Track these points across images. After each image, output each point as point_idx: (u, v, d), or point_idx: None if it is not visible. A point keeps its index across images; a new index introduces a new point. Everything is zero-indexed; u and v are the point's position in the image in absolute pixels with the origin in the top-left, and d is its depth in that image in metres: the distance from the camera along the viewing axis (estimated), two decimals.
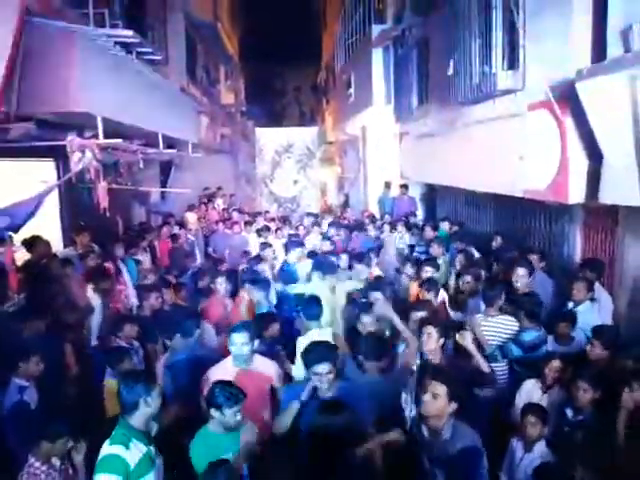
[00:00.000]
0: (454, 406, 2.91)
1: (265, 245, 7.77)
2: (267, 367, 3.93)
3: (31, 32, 5.14)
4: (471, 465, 2.86)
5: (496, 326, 4.57)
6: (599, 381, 3.49)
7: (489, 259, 6.64)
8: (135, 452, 2.83)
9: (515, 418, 3.73)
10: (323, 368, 3.33)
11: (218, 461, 2.87)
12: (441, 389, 2.89)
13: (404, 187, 11.80)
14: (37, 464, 3.12)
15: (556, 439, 3.37)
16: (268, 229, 9.48)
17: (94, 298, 5.75)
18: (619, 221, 5.39)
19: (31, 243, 5.77)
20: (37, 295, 5.14)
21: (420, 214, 11.99)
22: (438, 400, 2.88)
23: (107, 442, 2.87)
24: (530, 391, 3.95)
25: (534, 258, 5.65)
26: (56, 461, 3.22)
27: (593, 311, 4.81)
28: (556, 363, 3.84)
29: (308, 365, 3.42)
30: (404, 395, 3.84)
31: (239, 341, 3.73)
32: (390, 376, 3.98)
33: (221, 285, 5.96)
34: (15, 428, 3.67)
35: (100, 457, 2.82)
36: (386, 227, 9.41)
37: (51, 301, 5.10)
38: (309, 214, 12.86)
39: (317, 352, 3.46)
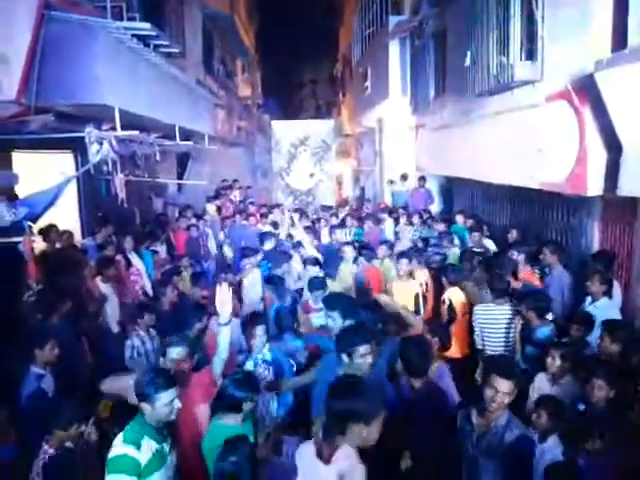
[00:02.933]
0: (513, 396, 2.92)
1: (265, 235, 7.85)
2: (202, 383, 3.55)
3: (50, 25, 5.21)
4: (527, 453, 2.87)
5: (505, 313, 4.75)
6: (615, 378, 3.43)
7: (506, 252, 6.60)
8: (146, 450, 2.81)
9: (529, 411, 3.71)
10: (365, 349, 3.24)
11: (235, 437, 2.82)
12: (504, 385, 2.88)
13: (422, 179, 11.73)
14: (51, 451, 3.15)
15: (568, 431, 3.34)
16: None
17: (104, 287, 5.84)
18: (638, 213, 5.30)
19: (47, 232, 5.88)
20: (57, 284, 5.22)
21: (436, 207, 11.92)
22: (500, 395, 2.88)
23: (120, 438, 2.83)
24: (541, 384, 3.94)
25: (546, 252, 5.60)
26: (70, 445, 3.25)
27: (612, 307, 4.73)
28: (555, 352, 3.81)
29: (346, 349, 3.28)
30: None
31: (176, 357, 3.48)
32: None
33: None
34: (34, 416, 3.70)
35: (112, 455, 2.79)
36: (402, 220, 9.40)
37: (71, 291, 5.18)
38: (324, 207, 12.89)
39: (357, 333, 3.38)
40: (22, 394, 3.86)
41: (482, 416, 3.01)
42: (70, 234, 6.57)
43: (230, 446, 2.70)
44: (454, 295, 5.45)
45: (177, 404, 2.94)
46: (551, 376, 3.87)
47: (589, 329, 4.25)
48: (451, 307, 5.35)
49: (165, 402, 2.87)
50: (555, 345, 3.96)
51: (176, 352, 3.48)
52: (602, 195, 5.32)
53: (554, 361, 3.81)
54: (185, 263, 7.28)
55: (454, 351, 5.06)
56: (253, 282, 6.29)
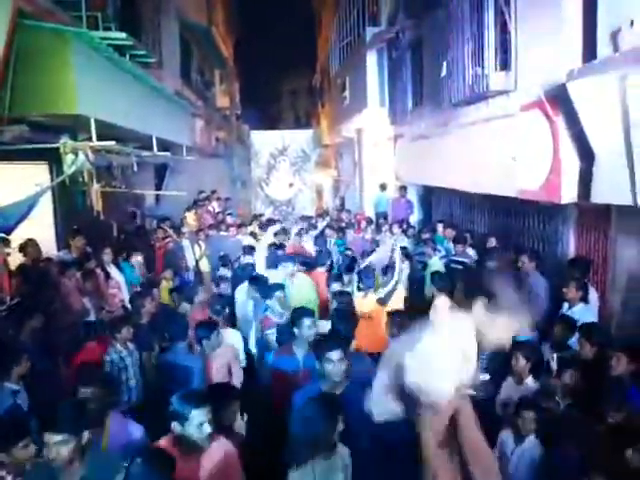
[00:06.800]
0: None
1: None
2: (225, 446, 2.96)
3: (24, 34, 5.13)
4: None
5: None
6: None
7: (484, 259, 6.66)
8: None
9: (499, 413, 3.85)
10: (335, 355, 3.21)
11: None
12: None
13: (403, 189, 11.82)
14: (9, 478, 2.92)
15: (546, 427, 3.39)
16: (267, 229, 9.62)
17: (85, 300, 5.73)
18: (612, 220, 5.41)
19: (24, 246, 5.78)
20: (31, 298, 5.11)
21: (415, 216, 12.01)
22: None
23: None
24: (507, 386, 4.02)
25: (524, 258, 5.66)
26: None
27: (588, 311, 4.82)
28: (518, 352, 3.91)
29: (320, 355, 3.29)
30: None
31: (198, 420, 2.76)
32: None
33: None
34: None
35: None
36: (384, 229, 9.45)
37: (46, 304, 5.07)
38: (303, 217, 12.88)
39: (329, 340, 3.45)
40: None
41: None
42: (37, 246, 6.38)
43: None
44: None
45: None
46: (517, 377, 3.95)
47: (572, 331, 4.33)
48: None
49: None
50: (516, 345, 4.00)
51: (198, 414, 2.75)
52: (577, 203, 5.41)
53: (517, 361, 3.90)
54: (167, 275, 7.21)
55: None
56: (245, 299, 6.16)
